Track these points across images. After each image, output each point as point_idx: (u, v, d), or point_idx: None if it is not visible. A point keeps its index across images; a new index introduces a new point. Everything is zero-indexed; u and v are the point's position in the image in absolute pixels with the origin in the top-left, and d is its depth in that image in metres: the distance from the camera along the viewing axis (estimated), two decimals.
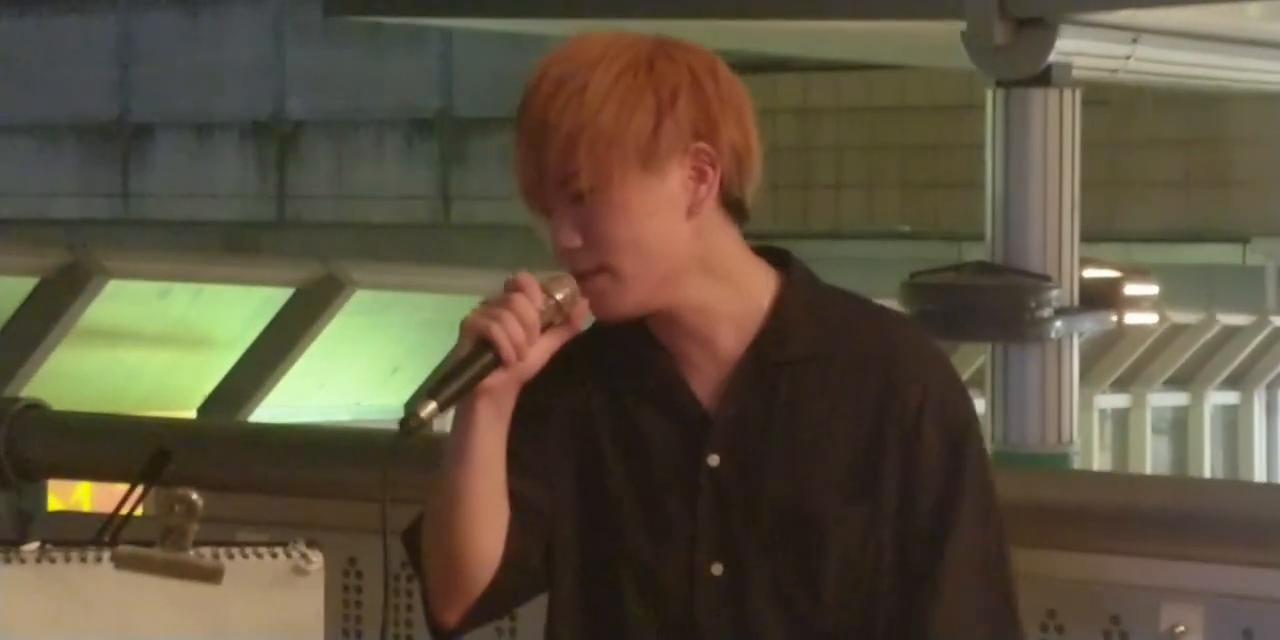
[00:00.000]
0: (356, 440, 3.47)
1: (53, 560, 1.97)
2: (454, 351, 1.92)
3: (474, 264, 11.26)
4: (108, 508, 3.16)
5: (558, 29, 11.03)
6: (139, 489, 2.05)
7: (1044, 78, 8.31)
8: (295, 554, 1.99)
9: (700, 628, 1.94)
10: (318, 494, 3.03)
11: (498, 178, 17.16)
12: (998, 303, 8.22)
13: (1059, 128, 8.37)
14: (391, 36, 16.11)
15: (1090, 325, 8.82)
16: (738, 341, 1.94)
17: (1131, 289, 9.29)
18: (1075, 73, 8.42)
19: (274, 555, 1.99)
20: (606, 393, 1.97)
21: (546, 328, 1.91)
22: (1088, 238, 8.84)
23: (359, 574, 2.95)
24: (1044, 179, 8.39)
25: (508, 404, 1.93)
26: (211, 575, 1.94)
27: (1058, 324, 8.32)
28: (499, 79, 16.87)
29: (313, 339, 7.35)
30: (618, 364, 1.97)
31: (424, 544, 1.98)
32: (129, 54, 18.19)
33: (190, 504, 1.91)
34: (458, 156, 17.28)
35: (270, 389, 7.32)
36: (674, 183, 1.91)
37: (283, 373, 7.33)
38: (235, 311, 7.32)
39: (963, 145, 13.34)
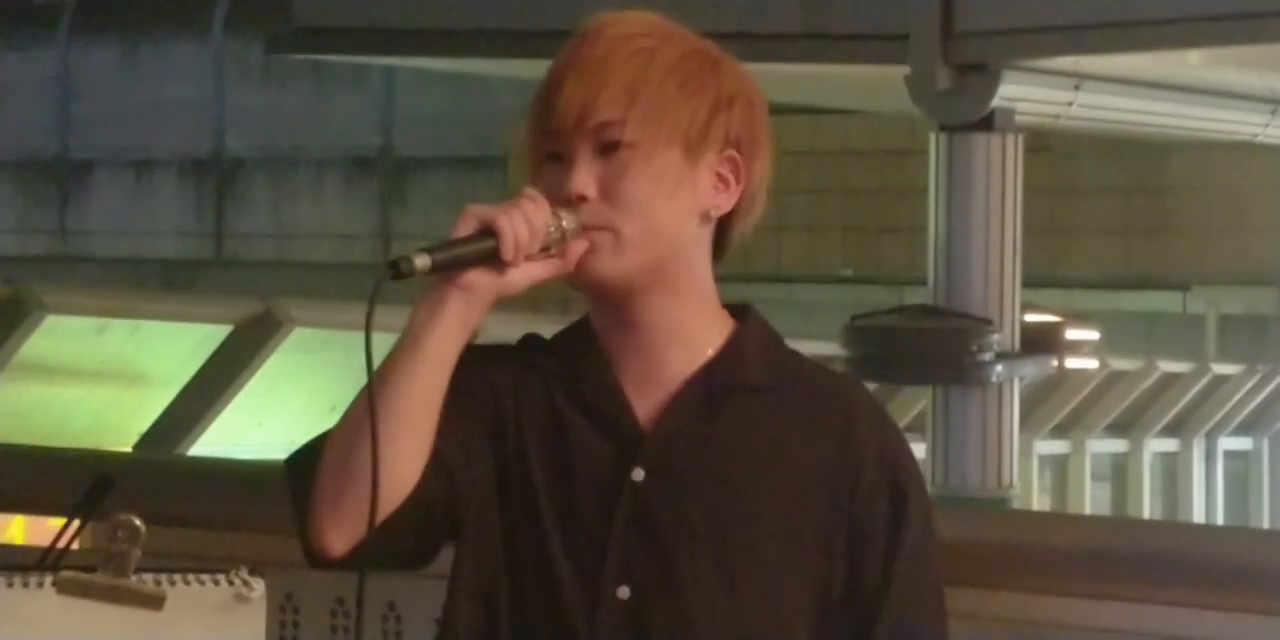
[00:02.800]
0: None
1: None
2: (452, 231, 1.81)
3: (414, 304, 11.25)
4: (42, 542, 3.15)
5: (501, 69, 11.08)
6: (79, 515, 2.05)
7: (987, 123, 8.38)
8: (237, 581, 1.98)
9: None
10: (254, 528, 3.03)
11: (439, 218, 17.17)
12: (939, 346, 8.27)
13: (1001, 172, 8.44)
14: (333, 75, 16.12)
15: (1031, 369, 8.87)
16: (685, 366, 1.88)
17: (1072, 334, 9.36)
18: (1018, 118, 8.50)
19: (216, 582, 1.99)
20: (541, 395, 1.89)
21: (543, 251, 1.83)
22: (1029, 284, 8.90)
23: (295, 609, 2.94)
24: (986, 223, 8.46)
25: (476, 313, 1.84)
26: (153, 601, 1.94)
27: (999, 368, 8.36)
28: (441, 119, 16.90)
29: (250, 376, 7.34)
30: (556, 369, 1.90)
31: (331, 455, 1.84)
32: (69, 91, 18.14)
33: (133, 529, 1.91)
34: (399, 196, 17.27)
35: (207, 426, 7.31)
36: (702, 178, 1.87)
37: (220, 410, 7.33)
38: (173, 348, 7.32)
39: (906, 189, 13.41)
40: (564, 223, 1.83)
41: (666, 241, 1.85)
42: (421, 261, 1.78)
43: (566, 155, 1.85)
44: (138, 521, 1.92)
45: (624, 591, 1.84)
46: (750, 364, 1.90)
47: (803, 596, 1.87)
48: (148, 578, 1.96)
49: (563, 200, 1.83)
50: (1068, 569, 2.53)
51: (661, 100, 1.83)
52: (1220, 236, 14.69)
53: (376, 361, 1.84)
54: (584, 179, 1.83)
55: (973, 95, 8.33)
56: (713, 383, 1.88)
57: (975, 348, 8.29)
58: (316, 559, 1.85)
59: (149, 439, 7.17)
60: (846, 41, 8.74)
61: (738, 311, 1.94)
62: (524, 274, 1.82)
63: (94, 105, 17.91)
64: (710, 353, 1.89)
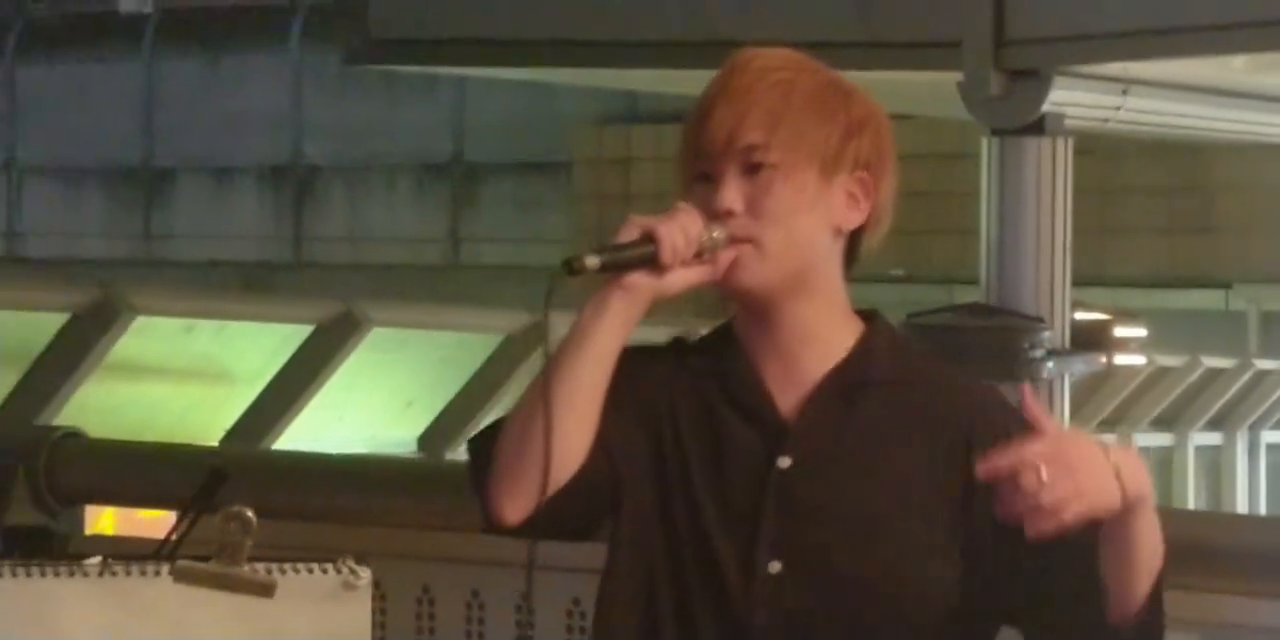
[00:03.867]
0: (382, 467, 3.50)
1: (114, 574, 1.99)
2: (617, 236, 1.95)
3: (483, 303, 11.28)
4: (133, 533, 3.18)
5: (566, 77, 11.10)
6: (194, 507, 2.08)
7: (1037, 127, 8.34)
8: (345, 570, 2.01)
9: (753, 620, 1.96)
10: (350, 521, 3.05)
11: (507, 220, 17.21)
12: (992, 343, 8.24)
13: (1052, 175, 8.40)
14: (406, 85, 16.18)
15: (1081, 366, 8.83)
16: (820, 365, 2.00)
17: (1120, 331, 9.32)
18: (1068, 122, 8.46)
19: (324, 571, 2.02)
20: (692, 391, 2.02)
21: (696, 257, 1.96)
22: (1076, 282, 8.86)
23: (382, 597, 2.97)
24: (1037, 224, 8.43)
25: (635, 312, 1.97)
26: (264, 589, 1.97)
27: (1050, 364, 8.33)
28: (508, 126, 16.93)
29: (331, 374, 7.37)
30: (706, 368, 2.02)
31: (509, 435, 1.96)
32: (153, 101, 18.25)
33: (245, 520, 1.94)
34: (468, 200, 17.33)
35: (290, 422, 7.34)
36: (836, 196, 2.00)
37: (302, 406, 7.36)
38: (257, 347, 7.35)
39: (956, 192, 13.37)
40: (714, 234, 1.96)
41: (804, 253, 1.99)
42: (591, 261, 1.91)
43: (715, 175, 1.99)
44: (249, 513, 1.95)
45: (775, 566, 1.96)
46: (878, 362, 2.01)
47: (933, 570, 1.98)
48: (259, 566, 1.99)
49: (712, 215, 1.97)
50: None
51: (800, 126, 1.98)
52: (1262, 236, 14.59)
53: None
54: (732, 196, 1.97)
55: (1024, 100, 8.30)
56: (845, 379, 2.00)
57: (1027, 345, 8.26)
58: (494, 526, 1.97)
59: (234, 436, 7.21)
60: (901, 49, 8.72)
61: (866, 316, 2.06)
62: (679, 278, 1.96)
63: (177, 115, 18.02)
64: (843, 353, 2.01)
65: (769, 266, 1.97)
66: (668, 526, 1.99)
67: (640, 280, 1.95)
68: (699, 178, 2.00)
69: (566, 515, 1.97)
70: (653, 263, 1.94)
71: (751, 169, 1.97)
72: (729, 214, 1.96)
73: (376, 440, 7.75)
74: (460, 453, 8.38)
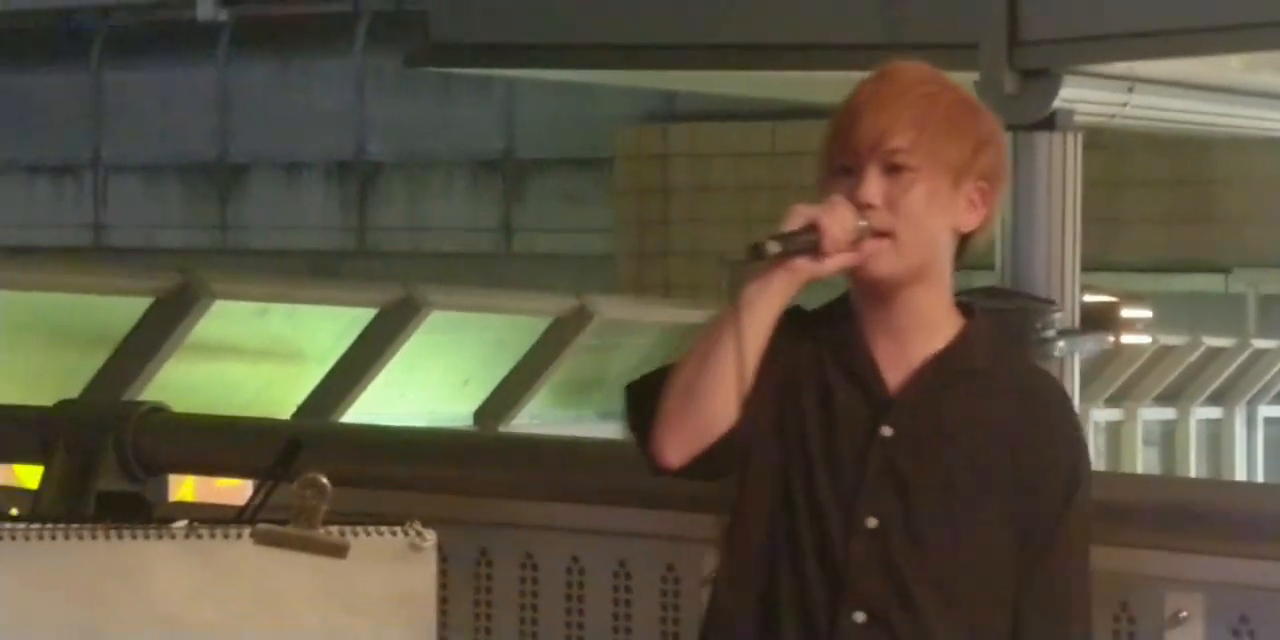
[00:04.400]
0: (443, 439, 3.50)
1: (199, 536, 2.00)
2: (779, 227, 2.04)
3: (533, 288, 11.28)
4: (212, 500, 3.19)
5: (609, 79, 11.08)
6: (273, 475, 2.09)
7: (1049, 123, 8.31)
8: (411, 532, 2.02)
9: (851, 568, 2.06)
10: (413, 488, 3.06)
11: (553, 212, 17.19)
12: (1007, 324, 8.21)
13: (1062, 167, 8.37)
14: (460, 86, 16.18)
15: (1090, 345, 8.80)
16: (926, 348, 2.12)
17: (1127, 312, 9.28)
18: (1077, 118, 8.42)
19: (393, 533, 2.03)
20: (813, 360, 2.12)
21: (848, 244, 2.07)
22: (1085, 267, 8.82)
23: (443, 560, 2.96)
24: (1049, 213, 8.40)
25: (793, 291, 2.08)
26: (338, 551, 1.97)
27: (1061, 343, 8.30)
28: (556, 124, 16.90)
29: (393, 354, 7.38)
30: (826, 339, 2.13)
31: (678, 388, 2.05)
32: (227, 102, 18.29)
33: (320, 487, 1.94)
34: (518, 194, 17.32)
35: (356, 398, 7.35)
36: (960, 200, 2.13)
37: (367, 384, 7.37)
38: (325, 329, 7.35)
39: None
40: (862, 223, 2.06)
41: (930, 249, 2.11)
42: (773, 247, 2.03)
43: (857, 170, 2.10)
44: (324, 480, 1.95)
45: (872, 522, 2.08)
46: (977, 353, 2.14)
47: (1000, 539, 2.10)
48: (333, 529, 2.00)
49: (859, 205, 2.09)
50: (1128, 520, 2.54)
51: (940, 136, 2.10)
52: (1258, 224, 14.49)
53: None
54: (873, 191, 2.08)
55: (1036, 98, 8.27)
56: (947, 365, 2.13)
57: (1040, 325, 8.24)
58: (658, 469, 2.08)
59: (305, 410, 7.22)
60: (921, 50, 8.67)
61: (965, 309, 2.17)
62: (833, 263, 2.07)
63: (249, 115, 18.05)
64: (945, 340, 2.12)
65: (901, 259, 2.07)
66: (784, 478, 2.10)
67: (802, 264, 2.05)
68: (840, 171, 2.10)
69: (718, 462, 2.07)
70: (815, 250, 2.05)
71: (892, 169, 2.07)
72: (869, 207, 2.06)
73: (435, 415, 7.75)
74: (514, 425, 8.42)
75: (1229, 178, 14.56)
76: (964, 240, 2.15)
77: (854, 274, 2.10)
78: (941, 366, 2.11)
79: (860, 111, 2.09)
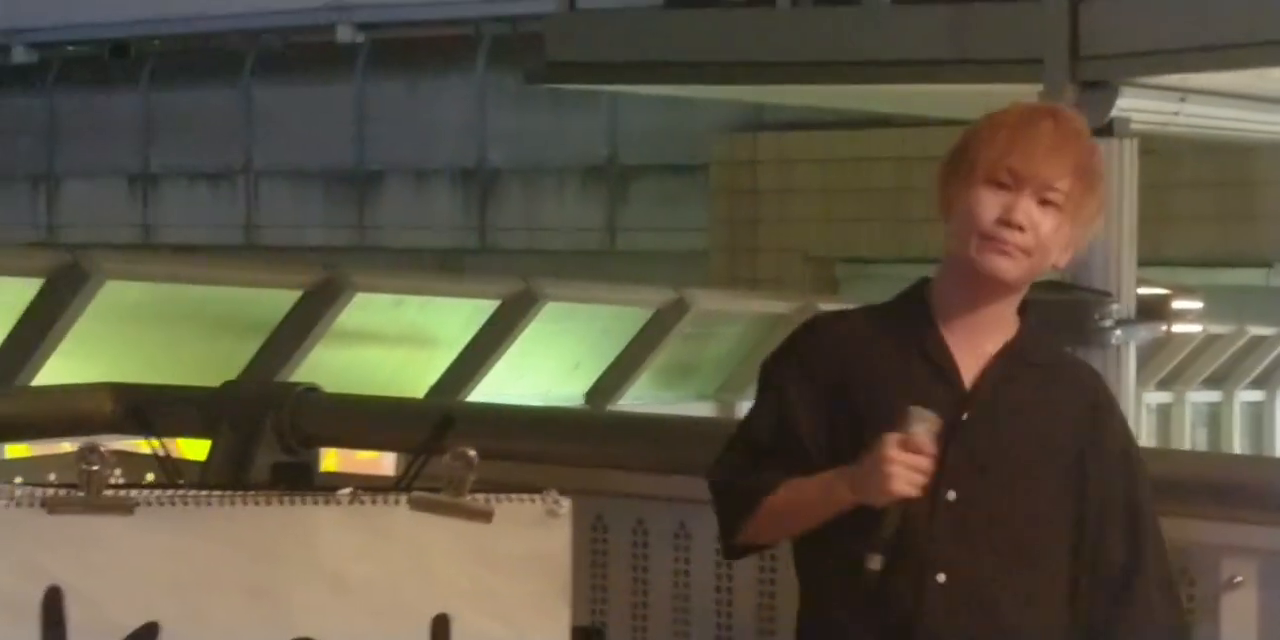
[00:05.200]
0: (564, 417, 3.50)
1: (361, 502, 2.01)
2: (886, 515, 2.08)
3: (636, 282, 11.28)
4: (353, 470, 3.18)
5: (703, 93, 11.07)
6: (426, 448, 2.10)
7: (1107, 130, 8.23)
8: (549, 500, 2.02)
9: (931, 535, 2.11)
10: (558, 461, 3.05)
11: (654, 213, 17.18)
12: (1070, 315, 8.14)
13: (1119, 171, 8.28)
14: (570, 100, 16.20)
15: (1144, 334, 8.70)
16: (994, 343, 2.17)
17: (1178, 304, 9.15)
18: (1133, 126, 8.34)
19: (532, 501, 2.03)
20: (893, 350, 2.16)
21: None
22: (1140, 263, 8.72)
23: (604, 528, 2.94)
24: (1106, 213, 8.29)
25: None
26: (484, 516, 1.98)
27: (1118, 332, 8.22)
28: (656, 134, 16.89)
29: (513, 341, 7.40)
30: (902, 330, 2.17)
31: (770, 521, 2.16)
32: (363, 115, 18.43)
33: (468, 459, 1.95)
34: (622, 196, 17.33)
35: (480, 380, 7.39)
36: (1067, 239, 2.17)
37: (490, 367, 7.39)
38: (453, 318, 7.38)
39: None
40: (925, 428, 2.07)
41: (1039, 269, 2.17)
42: (875, 563, 2.06)
43: (1014, 191, 2.14)
44: (472, 452, 1.96)
45: (951, 495, 2.12)
46: (1037, 349, 2.20)
47: (1063, 509, 2.15)
48: (479, 497, 2.01)
49: (1004, 220, 2.13)
50: (1187, 494, 2.51)
51: (1086, 188, 2.16)
52: None
53: None
54: (1024, 216, 2.13)
55: (1095, 107, 8.18)
56: (1015, 358, 2.18)
57: (1099, 316, 8.16)
58: (731, 553, 2.23)
59: (436, 391, 7.26)
60: (988, 65, 8.61)
61: (1020, 308, 2.21)
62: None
63: (383, 126, 18.17)
64: (1009, 336, 2.18)
65: (1025, 269, 2.13)
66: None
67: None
68: (996, 184, 2.12)
69: None
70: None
71: (1044, 202, 2.11)
72: (1020, 227, 2.11)
73: (550, 395, 7.77)
74: (620, 405, 8.38)
75: (1271, 179, 14.31)
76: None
77: (977, 266, 2.13)
78: (1011, 360, 2.16)
79: (1038, 146, 2.13)
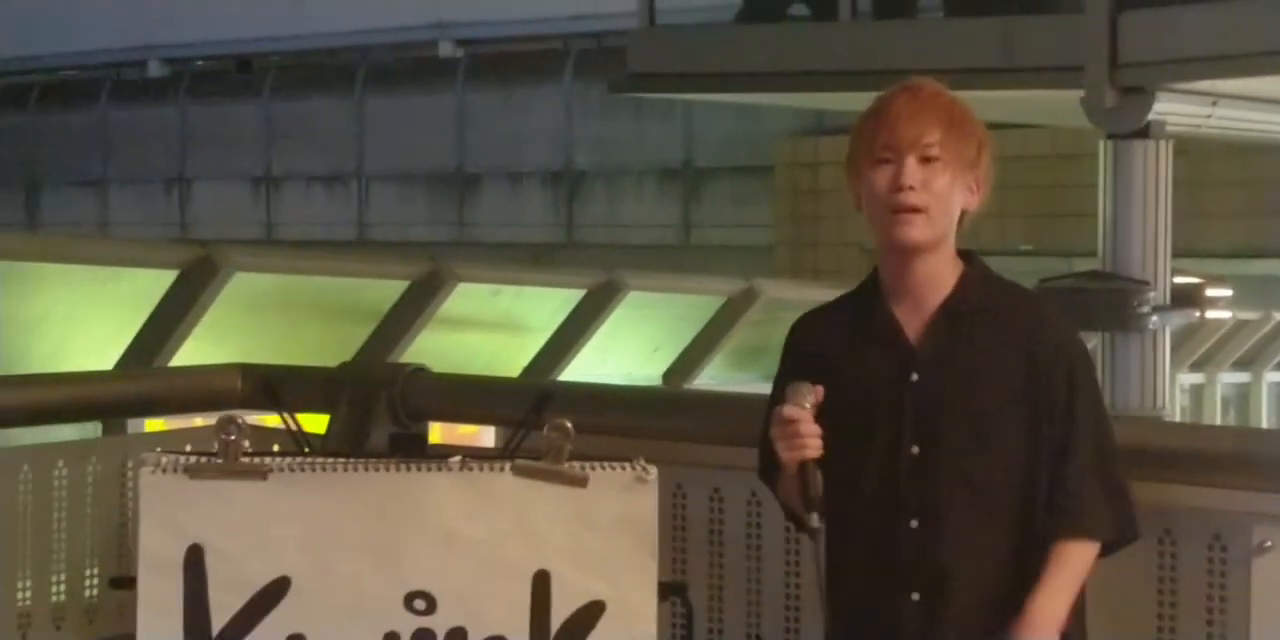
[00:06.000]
0: (649, 395, 3.49)
1: (470, 469, 2.03)
2: (785, 474, 2.13)
3: (709, 273, 11.27)
4: (454, 442, 3.18)
5: (771, 101, 11.03)
6: (528, 421, 2.11)
7: (1144, 132, 8.13)
8: (638, 468, 2.03)
9: (901, 490, 2.16)
10: (645, 435, 3.05)
11: (725, 211, 17.17)
12: (1109, 301, 8.06)
13: (1155, 170, 8.18)
14: (649, 108, 16.21)
15: (1178, 319, 8.58)
16: (936, 299, 2.19)
17: (1210, 292, 9.03)
18: (1168, 128, 8.22)
19: (623, 468, 2.04)
20: (844, 335, 2.21)
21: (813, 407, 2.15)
22: (1174, 254, 8.60)
23: (684, 496, 2.95)
24: (1143, 208, 8.21)
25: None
26: (580, 481, 2.00)
27: (1154, 318, 8.12)
28: (727, 139, 16.87)
29: (599, 326, 7.40)
30: (857, 312, 2.22)
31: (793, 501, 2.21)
32: (463, 123, 18.53)
33: (566, 430, 1.96)
34: (695, 196, 17.33)
35: (568, 362, 7.40)
36: (964, 185, 2.23)
37: (578, 350, 7.40)
38: (545, 306, 7.40)
39: (1073, 184, 13.06)
40: (809, 404, 2.12)
41: (949, 221, 2.19)
42: (815, 521, 2.10)
43: (897, 161, 2.19)
44: (569, 424, 1.97)
45: (915, 450, 2.16)
46: (973, 294, 2.20)
47: (1024, 445, 2.16)
48: (575, 465, 2.02)
49: (895, 187, 2.16)
50: (1219, 465, 2.48)
51: (959, 136, 2.20)
52: None
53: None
54: (913, 175, 2.18)
55: (1133, 111, 8.08)
56: (951, 310, 2.19)
57: (1136, 303, 8.06)
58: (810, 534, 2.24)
59: (529, 372, 7.28)
60: (1034, 72, 8.53)
61: (964, 256, 2.23)
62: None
63: (481, 133, 18.26)
64: (951, 287, 2.19)
65: (931, 227, 2.14)
66: (848, 427, 2.17)
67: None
68: (880, 162, 2.17)
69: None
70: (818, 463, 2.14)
71: (925, 160, 2.15)
72: (911, 188, 2.13)
73: (631, 376, 7.78)
74: (695, 384, 8.37)
75: None
76: (962, 217, 2.22)
77: (890, 240, 2.16)
78: (948, 312, 2.17)
79: (899, 116, 2.16)
